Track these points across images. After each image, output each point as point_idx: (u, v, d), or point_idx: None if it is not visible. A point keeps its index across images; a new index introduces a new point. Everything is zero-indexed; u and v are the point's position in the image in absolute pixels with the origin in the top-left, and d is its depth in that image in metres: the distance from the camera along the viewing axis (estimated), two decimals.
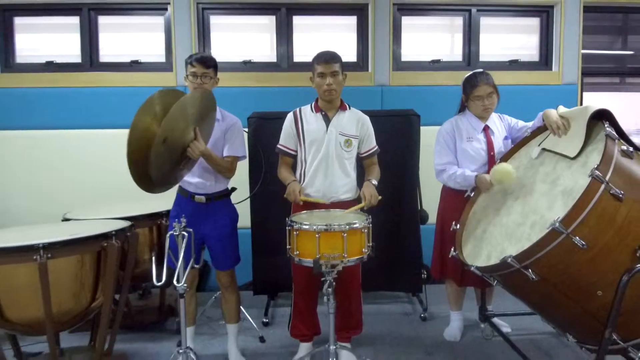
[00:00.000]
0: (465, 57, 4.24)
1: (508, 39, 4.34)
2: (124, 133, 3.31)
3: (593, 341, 2.03)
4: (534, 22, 4.31)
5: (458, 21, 4.26)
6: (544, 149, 2.37)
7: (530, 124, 2.65)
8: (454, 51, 4.32)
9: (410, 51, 4.24)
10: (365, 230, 2.06)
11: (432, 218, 3.09)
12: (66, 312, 2.16)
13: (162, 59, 4.09)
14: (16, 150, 3.90)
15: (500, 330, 2.80)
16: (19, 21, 4.07)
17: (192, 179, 2.41)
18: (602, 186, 1.80)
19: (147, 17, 4.09)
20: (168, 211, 2.85)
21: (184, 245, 2.00)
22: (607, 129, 1.98)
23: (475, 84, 2.70)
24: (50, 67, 4.03)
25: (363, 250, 2.05)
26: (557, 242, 1.82)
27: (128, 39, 4.13)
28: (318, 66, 2.39)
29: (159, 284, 2.02)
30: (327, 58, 2.37)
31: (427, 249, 3.27)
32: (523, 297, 2.20)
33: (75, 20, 4.05)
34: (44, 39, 4.12)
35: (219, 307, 3.17)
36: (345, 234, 1.96)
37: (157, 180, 2.20)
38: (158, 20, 4.08)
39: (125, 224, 2.41)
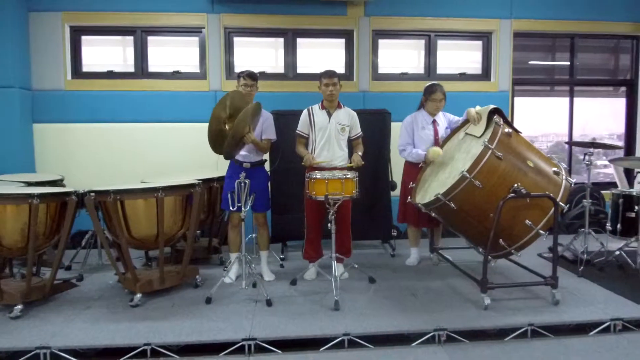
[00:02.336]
0: (425, 70, 5.62)
1: (458, 57, 5.73)
2: (169, 126, 4.67)
3: (493, 249, 3.39)
4: (478, 43, 5.72)
5: (421, 43, 5.64)
6: (466, 134, 3.74)
7: (460, 118, 4.02)
8: (418, 65, 5.70)
9: (385, 65, 5.59)
10: (355, 180, 3.39)
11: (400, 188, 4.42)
12: (167, 233, 3.42)
13: (197, 70, 5.36)
14: (84, 138, 5.11)
15: (445, 257, 4.16)
16: (85, 38, 5.29)
17: (243, 153, 3.70)
18: (490, 151, 3.17)
19: (186, 37, 5.35)
20: (218, 177, 4.13)
21: (246, 188, 3.30)
22: (496, 119, 3.36)
23: (433, 90, 4.06)
24: (111, 75, 5.26)
25: (353, 191, 3.38)
26: (465, 184, 3.18)
27: (171, 53, 5.38)
28: (324, 79, 3.72)
29: (233, 209, 3.33)
30: (330, 74, 3.71)
31: (395, 211, 4.57)
32: (451, 222, 3.57)
33: (130, 38, 5.30)
34: (106, 53, 5.34)
35: (249, 252, 4.47)
36: (343, 181, 3.29)
37: (228, 152, 3.48)
38: (194, 39, 5.35)
39: (197, 181, 3.67)
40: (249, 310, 3.17)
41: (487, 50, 5.68)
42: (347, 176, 3.35)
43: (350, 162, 3.74)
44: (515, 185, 3.17)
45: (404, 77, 5.56)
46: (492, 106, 3.53)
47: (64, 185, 4.11)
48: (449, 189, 3.23)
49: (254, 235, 4.15)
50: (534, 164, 3.32)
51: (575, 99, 6.01)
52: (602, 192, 5.63)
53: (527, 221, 3.21)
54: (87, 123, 5.12)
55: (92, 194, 3.27)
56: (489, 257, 3.45)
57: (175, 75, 5.31)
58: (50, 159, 5.09)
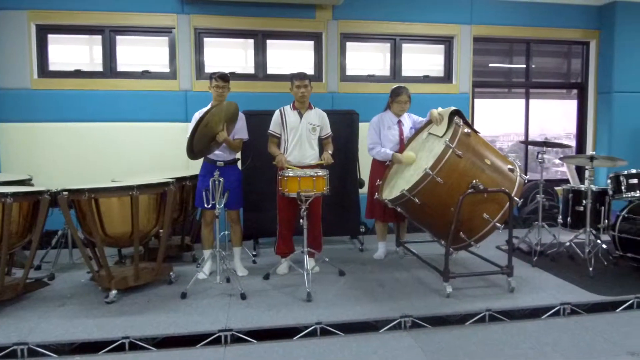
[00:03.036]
0: (391, 72, 5.85)
1: (422, 60, 5.99)
2: (139, 126, 4.70)
3: (454, 242, 3.62)
4: (440, 47, 5.99)
5: (386, 46, 5.86)
6: (429, 133, 3.97)
7: (424, 119, 4.25)
8: (384, 68, 5.92)
9: (352, 67, 5.78)
10: (326, 177, 3.56)
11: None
12: (141, 231, 3.49)
13: (167, 69, 5.40)
14: (51, 138, 5.06)
15: (410, 250, 4.37)
16: (52, 37, 5.24)
17: (216, 152, 3.80)
18: (451, 150, 3.39)
19: (156, 37, 5.38)
20: (190, 176, 4.21)
21: (220, 186, 3.40)
22: (456, 120, 3.59)
23: (399, 92, 4.26)
24: (79, 74, 5.23)
25: (324, 188, 3.55)
26: (428, 180, 3.39)
27: (140, 53, 5.40)
28: (296, 81, 3.86)
29: (208, 206, 3.42)
30: (301, 76, 3.86)
31: (364, 208, 4.75)
32: (415, 217, 3.78)
33: (98, 37, 5.28)
34: (74, 52, 5.31)
35: (222, 248, 4.56)
36: (314, 178, 3.45)
37: (197, 151, 3.57)
38: (164, 39, 5.38)
39: (170, 180, 3.74)
40: (224, 304, 3.28)
41: (448, 54, 5.96)
42: (319, 174, 3.51)
43: (321, 160, 3.90)
44: (474, 181, 3.40)
45: (370, 79, 5.76)
46: (452, 108, 3.76)
47: (32, 185, 4.09)
48: (413, 185, 3.44)
49: (226, 232, 4.25)
50: (491, 162, 3.57)
51: (532, 101, 6.38)
52: (556, 188, 6.00)
53: (484, 215, 3.46)
54: (55, 122, 5.08)
55: (65, 192, 3.30)
56: (451, 249, 3.68)
57: (145, 74, 5.34)
58: (17, 158, 5.03)
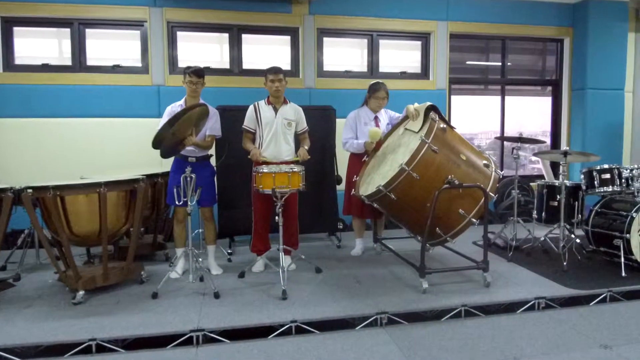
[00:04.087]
0: (369, 68, 5.82)
1: (399, 56, 5.97)
2: (109, 121, 4.56)
3: (429, 238, 3.60)
4: (417, 44, 5.99)
5: (364, 42, 5.83)
6: (406, 129, 3.94)
7: (401, 115, 4.23)
8: (361, 64, 5.88)
9: (329, 63, 5.73)
10: (301, 174, 3.50)
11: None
12: (110, 230, 3.37)
13: (139, 64, 5.26)
14: (17, 134, 4.88)
15: (387, 246, 4.35)
16: (18, 30, 5.04)
17: (188, 147, 3.70)
18: (426, 145, 3.37)
19: (127, 30, 5.23)
20: (163, 173, 4.11)
21: (192, 183, 3.31)
22: (432, 115, 3.57)
23: (377, 88, 4.23)
24: (46, 68, 5.06)
25: (300, 184, 3.49)
26: (404, 176, 3.36)
27: (111, 47, 5.24)
28: (269, 75, 3.79)
29: (179, 203, 3.32)
30: (276, 70, 3.79)
31: (341, 204, 4.73)
32: (392, 213, 3.76)
33: (67, 31, 5.11)
34: (41, 46, 5.13)
35: (196, 247, 4.47)
36: (290, 174, 3.39)
37: (163, 152, 3.46)
38: (135, 32, 5.24)
39: (140, 177, 3.64)
40: (196, 303, 3.20)
41: (425, 50, 5.96)
42: (294, 170, 3.45)
43: (297, 156, 3.83)
44: (449, 176, 3.39)
45: (348, 74, 5.72)
46: (429, 103, 3.75)
47: None
48: (389, 180, 3.40)
49: (200, 230, 4.16)
50: (466, 157, 3.57)
51: (507, 98, 6.43)
52: (531, 184, 6.07)
53: (460, 210, 3.45)
54: (21, 118, 4.90)
55: (30, 190, 3.17)
56: (427, 245, 3.67)
57: (116, 69, 5.19)
58: None
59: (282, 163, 3.74)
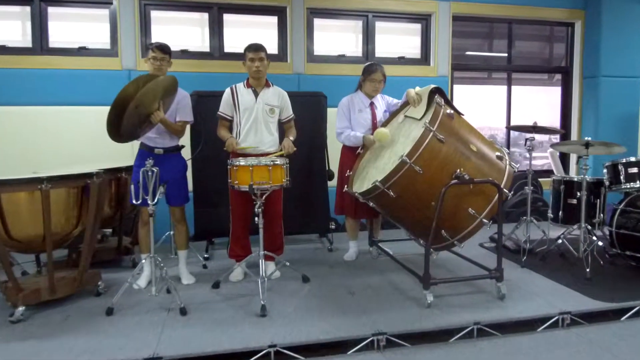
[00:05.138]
0: (364, 53, 5.30)
1: (397, 40, 5.46)
2: (74, 109, 3.99)
3: (434, 241, 3.10)
4: (417, 27, 5.48)
5: (358, 24, 5.31)
6: (406, 116, 3.43)
7: (400, 101, 3.72)
8: (356, 48, 5.36)
9: (320, 47, 5.21)
10: (285, 167, 2.98)
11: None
12: (57, 233, 2.85)
13: (108, 46, 4.71)
14: None
15: (385, 250, 3.84)
16: None
17: (153, 136, 3.17)
18: (431, 133, 2.86)
19: (94, 9, 4.69)
20: (127, 167, 3.58)
21: (153, 178, 2.78)
22: (437, 99, 3.07)
23: (372, 70, 3.71)
24: (3, 50, 4.50)
25: (283, 180, 2.96)
26: (405, 169, 2.86)
27: (76, 27, 4.70)
28: (249, 53, 3.27)
29: (138, 202, 2.79)
30: (256, 47, 3.26)
31: (333, 202, 4.24)
32: (390, 213, 3.25)
33: (26, 9, 4.55)
34: None
35: (167, 251, 3.95)
36: (270, 168, 2.86)
37: (124, 133, 2.93)
38: (104, 12, 4.69)
39: (97, 171, 3.11)
40: (157, 322, 2.68)
41: (426, 33, 5.45)
42: (276, 162, 2.93)
43: (281, 148, 3.32)
44: (458, 170, 2.89)
45: (341, 59, 5.21)
46: (432, 86, 3.24)
47: None
48: (388, 175, 2.90)
49: (171, 232, 3.64)
50: (477, 148, 3.06)
51: (514, 87, 5.92)
52: (540, 179, 5.58)
53: (470, 210, 2.95)
54: None
55: None
56: (431, 249, 3.17)
57: (82, 51, 4.65)
58: None
59: (263, 155, 3.23)
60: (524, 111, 6.11)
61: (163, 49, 3.17)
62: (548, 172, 5.77)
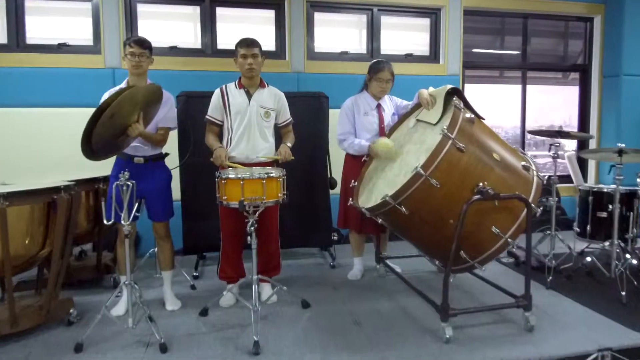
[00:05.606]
0: (368, 49, 4.91)
1: (404, 36, 5.08)
2: (52, 112, 3.59)
3: (453, 262, 2.72)
4: (425, 22, 5.09)
5: (363, 18, 4.92)
6: (418, 120, 3.05)
7: (411, 102, 3.34)
8: (360, 45, 4.98)
9: (321, 43, 4.83)
10: (281, 180, 2.59)
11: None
12: (19, 256, 2.47)
13: (90, 43, 4.33)
14: None
15: (393, 269, 3.46)
16: None
17: (132, 144, 2.79)
18: (450, 141, 2.48)
19: (75, 2, 4.30)
20: (105, 176, 3.21)
21: (128, 193, 2.40)
22: (455, 102, 2.68)
23: (380, 68, 3.33)
24: None
25: (279, 195, 2.58)
26: (419, 183, 2.47)
27: (55, 22, 4.31)
28: (241, 49, 2.89)
29: (109, 222, 2.40)
30: (248, 43, 2.88)
31: (335, 213, 3.88)
32: (402, 231, 2.87)
33: (1, 2, 4.17)
34: None
35: (152, 268, 3.58)
36: (264, 181, 2.48)
37: (97, 148, 2.53)
38: (86, 6, 4.31)
39: (70, 183, 2.74)
40: None
41: (435, 28, 5.06)
42: (270, 174, 2.54)
43: (277, 155, 2.94)
44: (481, 183, 2.51)
45: (344, 57, 4.82)
46: (449, 86, 2.85)
47: None
48: (400, 189, 2.51)
49: (156, 249, 3.26)
50: (500, 157, 2.68)
51: (529, 86, 5.54)
52: (557, 186, 5.19)
53: (493, 228, 2.57)
54: None
55: None
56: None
57: (62, 48, 4.26)
58: None
59: (256, 165, 2.85)
60: (537, 112, 5.74)
61: (141, 43, 2.79)
62: (564, 177, 5.39)
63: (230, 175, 2.49)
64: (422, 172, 2.45)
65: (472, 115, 2.69)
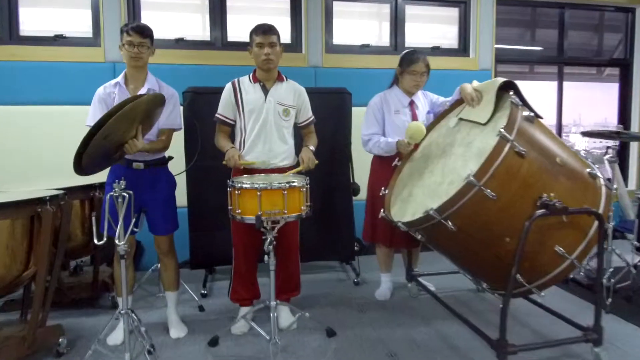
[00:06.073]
0: (392, 42, 4.50)
1: (431, 27, 4.66)
2: (48, 110, 3.20)
3: (503, 285, 2.32)
4: (453, 12, 4.67)
5: (385, 9, 4.51)
6: (460, 119, 2.64)
7: (449, 98, 2.92)
8: (381, 37, 4.57)
9: (341, 35, 4.42)
10: (304, 190, 2.20)
11: (364, 192, 3.33)
12: (0, 278, 2.10)
13: (89, 35, 3.96)
14: None
15: (427, 288, 3.06)
16: None
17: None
18: (508, 144, 2.07)
19: None
20: (102, 183, 2.83)
21: (124, 206, 2.01)
22: (512, 98, 2.27)
23: (414, 59, 2.92)
24: None
25: (302, 207, 2.19)
26: (471, 194, 2.07)
27: (51, 13, 3.95)
28: (256, 37, 2.49)
29: (101, 242, 2.00)
30: (265, 29, 2.48)
31: (359, 222, 3.50)
32: (444, 249, 2.46)
33: None
34: None
35: (155, 284, 3.20)
36: (285, 192, 2.08)
37: (88, 168, 2.14)
38: None
39: (59, 192, 2.36)
40: None
41: (464, 19, 4.64)
42: (293, 184, 2.14)
43: (299, 163, 2.52)
44: (544, 195, 2.09)
45: (365, 50, 4.41)
46: (500, 79, 2.44)
47: None
48: (447, 202, 2.11)
49: (158, 265, 2.87)
50: (563, 162, 2.26)
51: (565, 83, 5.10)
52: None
53: (557, 247, 2.15)
54: None
55: None
56: (495, 294, 2.40)
57: (58, 40, 3.89)
58: None
59: (274, 171, 2.45)
60: (570, 110, 5.30)
61: (142, 31, 2.39)
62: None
63: (245, 184, 2.10)
64: (474, 181, 2.04)
65: (532, 114, 2.27)
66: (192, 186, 3.37)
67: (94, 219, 2.05)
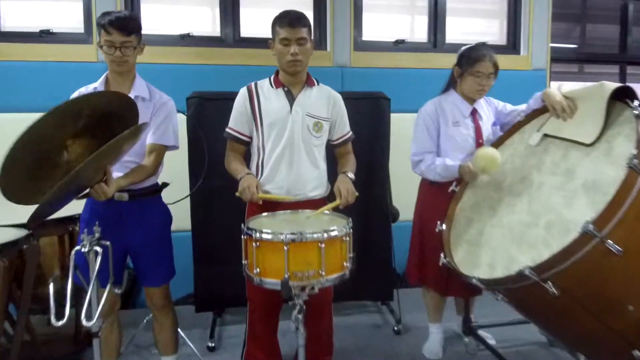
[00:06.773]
0: (430, 38, 3.89)
1: (474, 21, 4.05)
2: (30, 118, 2.57)
3: None
4: (498, 5, 4.06)
5: (421, 2, 3.90)
6: (546, 135, 2.01)
7: (522, 107, 2.31)
8: (414, 33, 3.97)
9: (371, 31, 3.83)
10: (347, 239, 1.59)
11: (404, 215, 2.73)
12: None
13: (80, 30, 3.42)
14: None
15: (487, 343, 2.44)
16: None
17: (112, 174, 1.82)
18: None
19: None
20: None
21: (97, 266, 1.43)
22: (636, 110, 1.64)
23: (479, 57, 2.29)
24: None
25: (344, 264, 1.57)
26: (589, 248, 1.45)
27: (37, 6, 3.42)
28: (281, 30, 1.89)
29: (59, 323, 1.41)
30: (292, 20, 1.88)
31: (397, 250, 2.92)
32: (532, 313, 1.84)
33: None
34: None
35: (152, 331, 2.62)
36: (322, 245, 1.47)
37: (40, 209, 1.54)
38: None
39: (20, 233, 1.79)
40: None
41: (514, 12, 4.01)
42: (331, 233, 1.53)
43: (337, 199, 1.90)
44: None
45: (400, 47, 3.80)
46: (607, 84, 1.80)
47: None
48: (552, 259, 1.49)
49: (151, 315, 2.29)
50: None
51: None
52: None
53: None
54: None
55: None
56: None
57: (45, 37, 3.35)
58: None
59: (302, 206, 1.85)
60: None
61: (124, 26, 1.78)
62: None
63: (266, 236, 1.49)
64: (593, 231, 1.42)
65: None
66: (197, 209, 2.79)
67: (51, 285, 1.46)
